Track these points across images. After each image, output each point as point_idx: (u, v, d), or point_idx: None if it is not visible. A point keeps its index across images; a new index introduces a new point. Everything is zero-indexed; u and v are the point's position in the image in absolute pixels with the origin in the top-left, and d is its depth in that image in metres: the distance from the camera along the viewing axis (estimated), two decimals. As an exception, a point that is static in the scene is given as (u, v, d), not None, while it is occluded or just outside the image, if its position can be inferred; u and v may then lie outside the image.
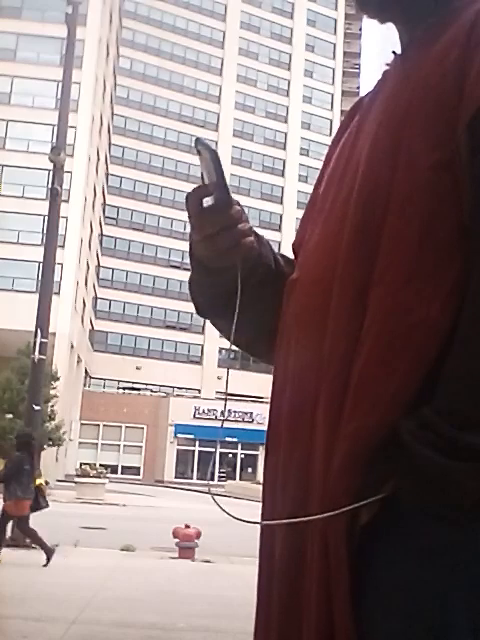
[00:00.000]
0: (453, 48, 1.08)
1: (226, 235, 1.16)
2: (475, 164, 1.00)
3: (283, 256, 1.32)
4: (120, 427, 51.79)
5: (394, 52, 1.23)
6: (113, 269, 58.08)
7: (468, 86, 1.02)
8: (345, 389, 1.02)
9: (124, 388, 56.16)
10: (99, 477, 29.42)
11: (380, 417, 0.98)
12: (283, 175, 64.94)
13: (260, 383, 44.19)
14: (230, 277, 1.19)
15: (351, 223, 1.10)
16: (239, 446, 50.67)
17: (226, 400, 1.39)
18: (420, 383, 0.98)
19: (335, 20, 70.55)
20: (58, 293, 29.03)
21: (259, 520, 1.16)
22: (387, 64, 1.24)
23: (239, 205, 1.18)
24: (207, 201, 1.14)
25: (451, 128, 1.03)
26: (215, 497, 1.13)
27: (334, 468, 1.00)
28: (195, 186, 1.17)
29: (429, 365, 0.98)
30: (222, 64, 65.01)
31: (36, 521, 11.72)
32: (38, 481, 10.47)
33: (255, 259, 1.23)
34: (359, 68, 75.94)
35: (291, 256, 1.34)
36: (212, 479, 48.54)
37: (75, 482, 30.29)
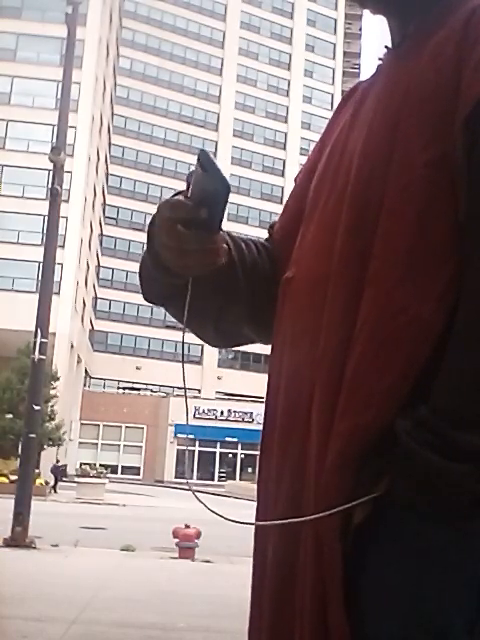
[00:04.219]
0: (449, 44, 1.07)
1: (200, 255, 1.10)
2: (471, 162, 0.99)
3: (231, 237, 1.24)
4: (120, 427, 51.77)
5: (387, 46, 1.22)
6: (113, 269, 58.06)
7: (464, 82, 1.02)
8: (338, 388, 1.02)
9: (124, 388, 56.14)
10: (99, 477, 29.44)
11: (373, 416, 0.98)
12: (283, 175, 64.91)
13: (260, 383, 44.11)
14: (181, 280, 1.14)
15: (345, 221, 1.09)
16: (239, 446, 50.64)
17: (186, 397, 1.31)
18: (413, 382, 0.98)
19: (335, 20, 70.52)
20: (58, 293, 29.04)
21: (253, 520, 1.16)
22: (380, 59, 1.23)
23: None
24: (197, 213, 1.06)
25: (447, 125, 1.02)
26: (199, 497, 1.12)
27: (327, 467, 1.00)
28: (181, 198, 1.10)
29: (422, 364, 0.98)
30: (222, 64, 65.00)
31: (37, 521, 11.72)
32: (38, 481, 10.48)
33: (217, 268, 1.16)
34: (359, 68, 75.90)
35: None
36: (212, 479, 48.56)
37: (75, 482, 30.31)
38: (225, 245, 1.13)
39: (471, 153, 0.99)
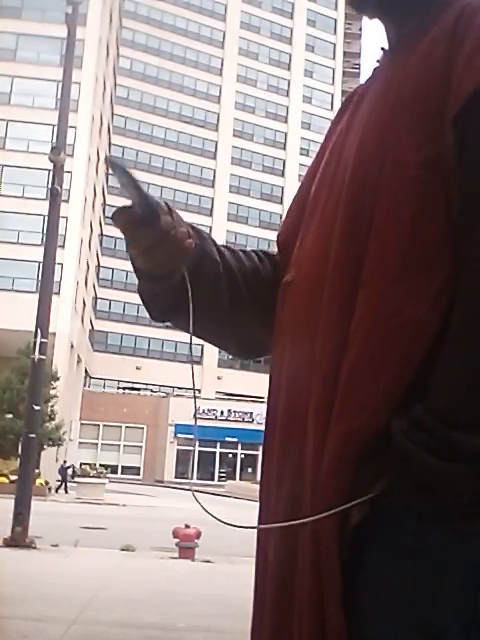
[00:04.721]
0: (439, 44, 1.07)
1: (162, 246, 1.14)
2: (462, 162, 0.99)
3: (229, 248, 1.30)
4: (120, 427, 51.78)
5: (383, 48, 1.22)
6: (113, 269, 58.05)
7: (454, 82, 1.01)
8: (334, 390, 1.02)
9: (124, 388, 56.14)
10: (99, 477, 29.47)
11: (369, 417, 0.98)
12: (283, 175, 64.91)
13: (260, 383, 44.21)
14: (176, 281, 1.18)
15: (340, 224, 1.09)
16: (239, 446, 50.64)
17: (195, 398, 1.36)
18: (409, 383, 0.98)
19: (335, 20, 70.54)
20: (58, 293, 29.03)
21: (256, 521, 1.16)
22: (377, 60, 1.23)
23: (169, 210, 1.15)
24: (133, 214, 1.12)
25: (438, 125, 1.01)
26: (199, 499, 1.13)
27: (324, 469, 1.00)
28: (119, 206, 1.15)
29: (418, 365, 0.97)
30: (222, 64, 65.00)
31: (37, 521, 11.73)
32: (38, 481, 10.49)
33: (198, 258, 1.21)
34: (359, 68, 75.89)
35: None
36: (212, 479, 48.57)
37: (75, 482, 30.34)
38: (183, 229, 1.16)
39: (462, 153, 0.99)
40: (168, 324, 1.32)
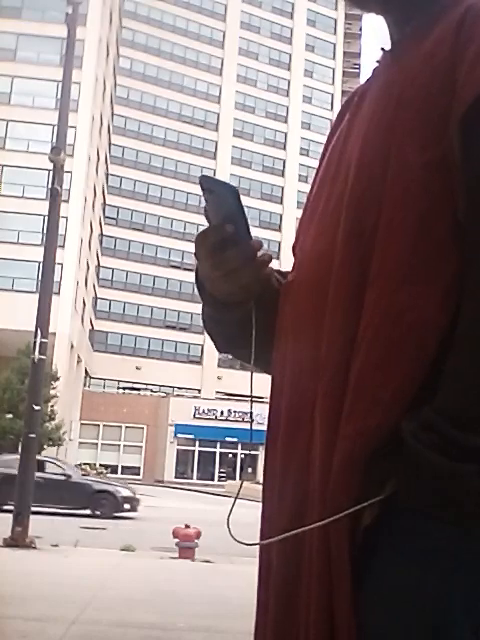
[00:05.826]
0: (442, 46, 1.07)
1: (249, 268, 1.14)
2: (468, 163, 0.99)
3: (280, 272, 1.30)
4: (120, 427, 51.76)
5: (383, 48, 1.22)
6: (113, 269, 58.07)
7: (458, 84, 1.02)
8: (343, 391, 1.02)
9: (124, 388, 56.13)
10: (99, 477, 29.49)
11: (380, 418, 0.98)
12: (283, 175, 64.92)
13: (260, 383, 44.06)
14: (249, 308, 1.19)
15: (345, 224, 1.09)
16: (239, 446, 50.63)
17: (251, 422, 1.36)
18: (419, 384, 0.97)
19: (335, 20, 70.54)
20: (58, 293, 29.02)
21: (259, 519, 1.16)
22: (377, 61, 1.23)
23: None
24: (224, 233, 1.11)
25: (443, 126, 1.02)
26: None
27: (334, 469, 0.99)
28: (204, 228, 1.15)
29: (428, 365, 0.97)
30: (222, 64, 65.01)
31: (37, 520, 11.73)
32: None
33: (267, 286, 1.22)
34: (359, 68, 75.82)
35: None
36: (212, 479, 48.58)
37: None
38: (267, 254, 1.17)
39: (467, 154, 1.00)
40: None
